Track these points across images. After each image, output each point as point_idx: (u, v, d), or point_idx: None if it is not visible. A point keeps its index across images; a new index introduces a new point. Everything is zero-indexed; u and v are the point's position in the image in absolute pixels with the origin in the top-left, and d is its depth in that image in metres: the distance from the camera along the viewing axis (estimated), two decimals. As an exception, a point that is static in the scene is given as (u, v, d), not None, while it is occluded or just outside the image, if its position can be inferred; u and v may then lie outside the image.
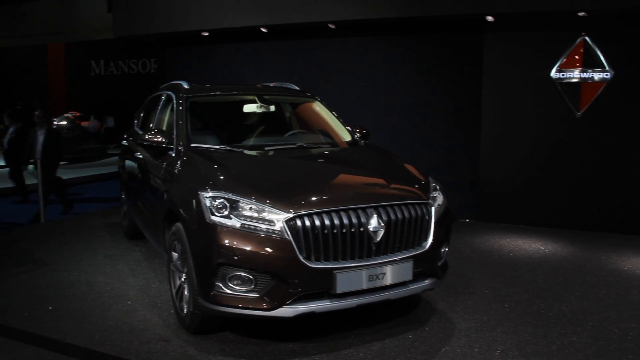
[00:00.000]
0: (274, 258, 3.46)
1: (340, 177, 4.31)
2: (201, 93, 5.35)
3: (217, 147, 4.61)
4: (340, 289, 3.55)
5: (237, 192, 3.66)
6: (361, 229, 3.62)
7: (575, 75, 7.28)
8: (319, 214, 3.55)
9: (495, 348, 3.87)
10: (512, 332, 4.14)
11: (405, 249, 3.84)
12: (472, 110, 7.91)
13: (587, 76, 7.22)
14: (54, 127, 10.99)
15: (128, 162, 6.23)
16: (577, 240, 6.94)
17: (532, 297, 4.90)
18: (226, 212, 3.58)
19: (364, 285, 3.64)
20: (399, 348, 3.84)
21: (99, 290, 4.98)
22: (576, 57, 7.25)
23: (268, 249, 3.47)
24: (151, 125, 5.76)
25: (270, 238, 3.48)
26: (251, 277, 3.50)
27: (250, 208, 3.56)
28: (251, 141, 4.98)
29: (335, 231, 3.55)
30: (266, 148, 4.69)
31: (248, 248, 3.47)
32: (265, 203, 3.57)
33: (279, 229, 3.49)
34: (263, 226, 3.51)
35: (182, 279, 4.01)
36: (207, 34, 9.23)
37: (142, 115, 6.48)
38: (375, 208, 3.71)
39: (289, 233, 3.48)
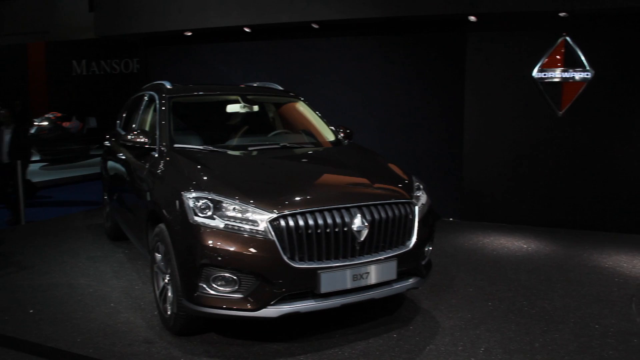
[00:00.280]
0: (258, 258, 3.45)
1: (324, 177, 4.31)
2: (184, 93, 5.32)
3: (201, 147, 4.59)
4: (324, 288, 3.55)
5: (221, 193, 3.64)
6: (345, 229, 3.62)
7: (556, 75, 7.35)
8: (302, 214, 3.54)
9: (479, 346, 3.89)
10: (496, 329, 4.17)
11: (389, 248, 3.85)
12: (455, 110, 7.95)
13: (568, 76, 7.30)
14: (29, 125, 10.78)
15: (110, 163, 6.18)
16: (559, 238, 7.01)
17: (515, 294, 4.94)
18: (210, 213, 3.56)
19: (348, 284, 3.64)
20: (384, 347, 3.85)
21: (81, 293, 4.93)
22: (557, 57, 7.32)
23: (252, 250, 3.46)
24: (134, 125, 5.73)
25: (254, 238, 3.47)
26: (235, 277, 3.49)
27: (234, 208, 3.55)
28: (235, 141, 4.97)
29: (319, 231, 3.55)
30: (250, 148, 4.68)
31: (232, 248, 3.46)
32: (248, 203, 3.56)
33: (262, 229, 3.48)
34: (247, 226, 3.50)
35: (166, 280, 3.99)
36: (190, 33, 9.19)
37: (124, 115, 6.44)
38: (359, 208, 3.72)
39: (272, 233, 3.47)
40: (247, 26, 8.53)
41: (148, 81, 6.77)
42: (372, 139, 7.75)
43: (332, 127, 5.47)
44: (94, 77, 20.22)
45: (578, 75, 7.25)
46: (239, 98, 5.43)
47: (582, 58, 7.22)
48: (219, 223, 3.53)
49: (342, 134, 5.42)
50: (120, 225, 5.90)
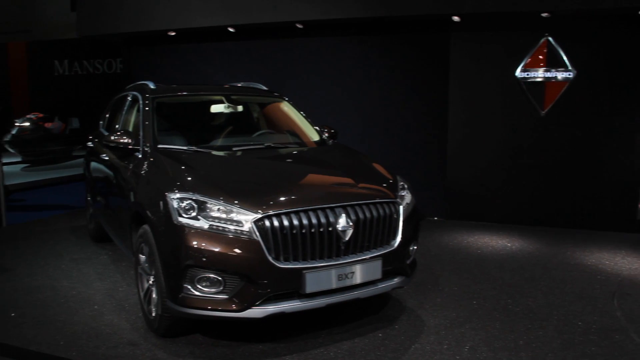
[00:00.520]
0: (242, 259, 3.44)
1: (309, 177, 4.31)
2: (168, 93, 5.29)
3: (185, 148, 4.56)
4: (309, 288, 3.55)
5: (205, 193, 3.63)
6: (330, 229, 3.62)
7: (539, 74, 7.41)
8: (287, 214, 3.54)
9: (464, 344, 3.92)
10: (480, 328, 4.20)
11: (374, 247, 3.86)
12: (440, 109, 7.99)
13: (550, 75, 7.37)
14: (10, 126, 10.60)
15: (94, 164, 6.13)
16: (543, 236, 7.07)
17: (500, 293, 4.97)
18: (194, 214, 3.55)
19: (334, 284, 3.64)
20: (369, 346, 3.86)
21: (64, 295, 4.88)
22: (540, 57, 7.38)
23: (237, 250, 3.45)
24: (117, 126, 5.68)
25: (238, 239, 3.46)
26: (220, 278, 3.48)
27: (218, 209, 3.54)
28: (219, 142, 4.95)
29: (304, 231, 3.55)
30: (234, 148, 4.66)
31: (216, 249, 3.45)
32: (233, 204, 3.55)
33: (247, 230, 3.47)
34: (231, 227, 3.48)
35: (150, 282, 3.96)
36: (173, 33, 9.13)
37: (107, 116, 6.39)
38: (344, 207, 3.72)
39: (257, 234, 3.47)
40: (231, 26, 8.50)
41: (131, 81, 6.71)
42: (356, 139, 7.76)
43: (317, 127, 5.47)
44: (77, 78, 20.04)
45: (560, 75, 7.32)
46: (223, 98, 5.41)
47: (564, 58, 7.29)
48: (203, 224, 3.51)
49: (326, 134, 5.42)
50: (104, 226, 5.85)
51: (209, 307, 3.51)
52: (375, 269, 3.82)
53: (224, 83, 6.85)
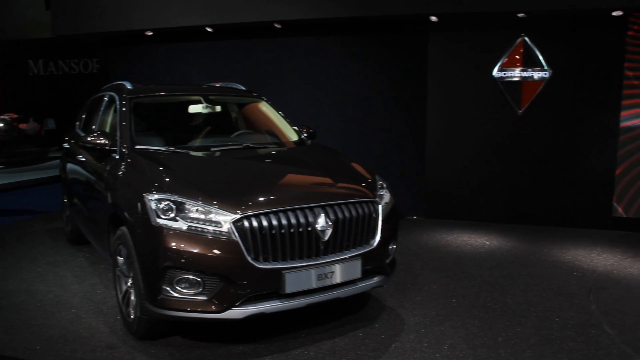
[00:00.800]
0: (221, 260, 3.43)
1: (288, 177, 4.30)
2: (145, 94, 5.24)
3: (162, 148, 4.53)
4: (289, 289, 3.54)
5: (183, 194, 3.60)
6: (309, 229, 3.62)
7: (515, 74, 7.50)
8: (266, 215, 3.53)
9: (444, 342, 3.94)
10: (460, 325, 4.23)
11: (354, 247, 3.87)
12: (418, 109, 8.04)
13: (527, 75, 7.45)
14: None
15: (70, 166, 6.05)
16: (521, 234, 7.16)
17: (479, 291, 5.02)
18: (172, 215, 3.52)
19: (313, 284, 3.64)
20: (350, 346, 3.87)
21: (40, 299, 4.80)
22: (516, 56, 7.46)
23: (216, 251, 3.43)
24: (94, 127, 5.62)
25: (217, 240, 3.44)
26: (199, 279, 3.46)
27: (197, 210, 3.52)
28: (197, 142, 4.92)
29: (283, 231, 3.54)
30: (212, 149, 4.64)
31: (195, 250, 3.43)
32: (212, 204, 3.53)
33: (226, 231, 3.45)
34: (210, 228, 3.47)
35: (129, 284, 3.93)
36: (151, 33, 9.05)
37: (84, 116, 6.31)
38: (323, 207, 3.73)
39: (236, 234, 3.45)
40: (209, 26, 8.45)
41: (108, 82, 6.65)
42: (335, 139, 7.77)
43: (295, 127, 5.47)
44: (52, 78, 19.76)
45: (536, 75, 7.42)
46: (201, 98, 5.38)
47: (540, 58, 7.38)
48: (181, 225, 3.49)
49: (305, 134, 5.42)
50: (81, 228, 5.78)
51: (188, 309, 3.49)
52: (355, 269, 3.82)
53: (202, 83, 6.81)
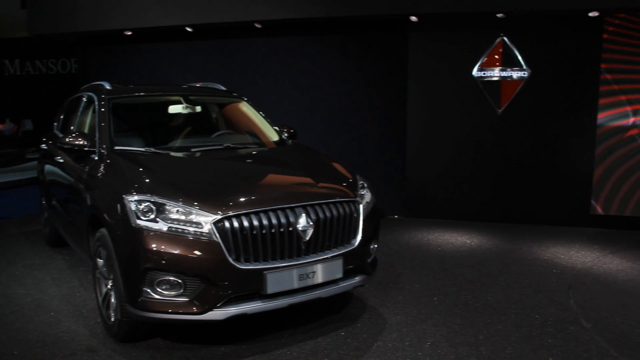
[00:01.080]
0: (202, 261, 3.41)
1: (268, 177, 4.30)
2: (124, 94, 5.20)
3: (142, 149, 4.49)
4: (271, 289, 3.54)
5: (164, 195, 3.58)
6: (290, 229, 3.62)
7: (495, 73, 7.56)
8: (247, 215, 3.52)
9: (426, 340, 3.96)
10: (441, 324, 4.26)
11: (335, 247, 3.87)
12: (399, 109, 8.07)
13: (506, 75, 7.53)
14: None
15: (48, 167, 5.97)
16: (501, 232, 7.22)
17: (460, 289, 5.05)
18: (152, 216, 3.49)
19: (295, 284, 3.64)
20: (332, 345, 3.87)
21: (18, 303, 4.73)
22: (496, 56, 7.53)
23: (197, 252, 3.41)
24: (72, 127, 5.55)
25: (198, 241, 3.43)
26: (180, 281, 3.44)
27: (177, 211, 3.50)
28: (177, 143, 4.88)
29: (264, 231, 3.53)
30: (193, 149, 4.61)
31: (176, 252, 3.41)
32: (192, 205, 3.51)
33: (207, 231, 3.44)
34: (191, 229, 3.45)
35: (109, 286, 3.89)
36: (130, 33, 8.97)
37: (62, 117, 6.24)
38: (304, 207, 3.72)
39: (217, 235, 3.44)
40: (189, 26, 8.40)
41: (86, 82, 6.58)
42: (316, 139, 7.78)
43: (276, 127, 5.46)
44: (29, 78, 19.49)
45: (515, 74, 7.49)
46: (181, 99, 5.35)
47: (519, 57, 7.45)
48: (162, 226, 3.46)
49: (286, 134, 5.41)
50: (60, 230, 5.72)
51: (170, 310, 3.47)
52: (337, 268, 3.83)
53: (182, 83, 6.77)
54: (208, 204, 3.53)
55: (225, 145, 4.81)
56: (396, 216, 8.22)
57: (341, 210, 3.91)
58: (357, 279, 4.07)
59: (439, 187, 8.02)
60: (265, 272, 3.51)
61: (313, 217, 3.72)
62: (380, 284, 5.15)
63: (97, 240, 3.98)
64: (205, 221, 3.46)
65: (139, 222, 3.49)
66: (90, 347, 3.84)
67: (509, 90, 7.56)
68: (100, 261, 4.01)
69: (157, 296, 3.47)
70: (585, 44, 7.29)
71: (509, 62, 7.51)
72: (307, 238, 3.68)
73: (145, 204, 3.53)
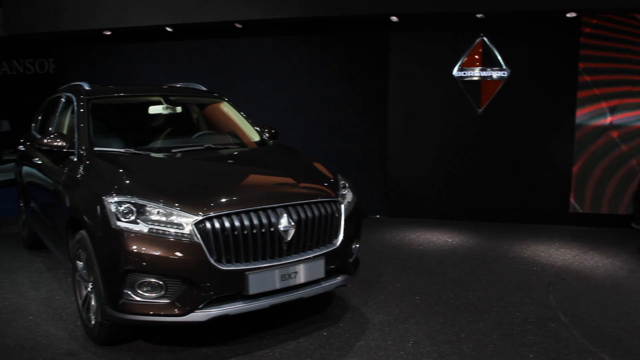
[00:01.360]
0: (184, 262, 3.39)
1: (250, 177, 4.28)
2: (104, 94, 5.14)
3: (122, 150, 4.46)
4: (253, 290, 3.53)
5: (144, 196, 3.55)
6: (272, 229, 3.61)
7: (475, 73, 7.62)
8: (228, 216, 3.51)
9: (408, 339, 3.98)
10: (424, 323, 4.28)
11: (317, 247, 3.87)
12: (380, 109, 8.09)
13: (486, 74, 7.58)
14: None
15: (26, 169, 5.89)
16: (482, 231, 7.27)
17: (442, 288, 5.08)
18: (133, 217, 3.47)
19: (277, 285, 3.63)
20: (314, 345, 3.87)
21: (-4, 306, 4.68)
22: (476, 56, 7.59)
23: (178, 253, 3.39)
24: (50, 128, 5.48)
25: (179, 242, 3.40)
26: (161, 282, 3.41)
27: (158, 212, 3.47)
28: (158, 143, 4.85)
29: (245, 232, 3.52)
30: (173, 150, 4.58)
31: (157, 253, 3.38)
32: (173, 206, 3.49)
33: (188, 233, 3.42)
34: (172, 230, 3.42)
35: (89, 289, 3.85)
36: (109, 33, 8.88)
37: (40, 118, 6.16)
38: (285, 207, 3.72)
39: (198, 236, 3.42)
40: (169, 26, 8.33)
41: (65, 82, 6.50)
42: (297, 139, 7.76)
43: (257, 128, 5.45)
44: (6, 78, 19.19)
45: (495, 74, 7.55)
46: (162, 99, 5.30)
47: (499, 57, 7.52)
48: (142, 227, 3.44)
49: (267, 134, 5.40)
50: (39, 233, 5.64)
51: (151, 312, 3.44)
52: (319, 268, 3.83)
53: (162, 84, 6.72)
54: (189, 205, 3.51)
55: (206, 145, 4.79)
56: (378, 216, 8.24)
57: (323, 210, 3.91)
58: (339, 278, 4.07)
59: (421, 186, 8.05)
60: (247, 272, 3.50)
61: (294, 217, 3.72)
62: (362, 283, 5.15)
63: (76, 243, 3.93)
64: (187, 222, 3.44)
65: (119, 223, 3.46)
66: (70, 351, 3.80)
67: (489, 90, 7.62)
68: (80, 263, 3.96)
69: (138, 298, 3.45)
70: (563, 45, 7.38)
71: (488, 62, 7.57)
72: (289, 238, 3.67)
73: (126, 206, 3.50)
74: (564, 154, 7.53)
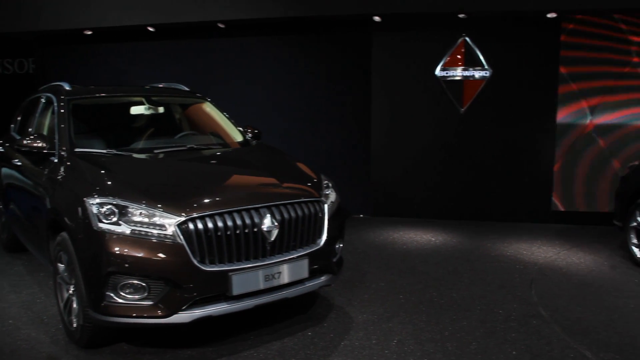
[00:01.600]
0: (167, 263, 3.37)
1: (233, 178, 4.27)
2: (84, 95, 5.09)
3: (104, 151, 4.42)
4: (236, 290, 3.52)
5: (126, 197, 3.52)
6: (255, 229, 3.60)
7: (457, 73, 7.67)
8: (211, 216, 3.49)
9: (392, 338, 3.99)
10: (408, 321, 4.30)
11: (300, 247, 3.87)
12: (363, 108, 8.11)
13: (468, 74, 7.64)
14: None
15: (5, 170, 5.81)
16: (465, 230, 7.32)
17: (425, 286, 5.10)
18: (115, 219, 3.44)
19: (261, 285, 3.62)
20: (299, 345, 3.86)
21: (-25, 310, 4.60)
22: (458, 56, 7.64)
23: (160, 255, 3.37)
24: (30, 129, 5.41)
25: (162, 243, 3.38)
26: (144, 284, 3.39)
27: (141, 213, 3.44)
28: (140, 144, 4.80)
29: (228, 233, 3.51)
30: (156, 151, 4.55)
31: (139, 254, 3.36)
32: (155, 207, 3.46)
33: (170, 234, 3.40)
34: (154, 231, 3.40)
35: (70, 291, 3.81)
36: (90, 32, 8.80)
37: (19, 119, 6.07)
38: (268, 207, 3.71)
39: (181, 237, 3.40)
40: (151, 25, 8.27)
41: (45, 82, 6.41)
42: (280, 139, 7.75)
43: (240, 128, 5.43)
44: (-15, 79, 18.98)
45: (477, 74, 7.61)
46: (144, 99, 5.26)
47: (481, 57, 7.57)
48: (125, 229, 3.41)
49: (250, 135, 5.39)
50: (18, 235, 5.56)
51: (134, 315, 3.42)
52: (302, 268, 3.83)
53: (144, 84, 6.67)
54: (172, 206, 3.49)
55: (188, 146, 4.77)
56: (361, 215, 8.25)
57: (306, 210, 3.90)
58: (323, 278, 4.07)
59: (404, 185, 8.08)
60: (231, 273, 3.49)
61: (278, 217, 3.71)
62: (346, 283, 5.16)
63: (57, 245, 3.89)
64: (169, 223, 3.42)
65: (100, 225, 3.43)
66: (52, 355, 3.75)
67: (471, 89, 7.67)
68: (61, 266, 3.92)
69: (120, 300, 3.42)
70: (544, 45, 7.45)
71: (471, 62, 7.62)
72: (272, 238, 3.67)
73: (107, 207, 3.47)
74: (545, 153, 7.61)
